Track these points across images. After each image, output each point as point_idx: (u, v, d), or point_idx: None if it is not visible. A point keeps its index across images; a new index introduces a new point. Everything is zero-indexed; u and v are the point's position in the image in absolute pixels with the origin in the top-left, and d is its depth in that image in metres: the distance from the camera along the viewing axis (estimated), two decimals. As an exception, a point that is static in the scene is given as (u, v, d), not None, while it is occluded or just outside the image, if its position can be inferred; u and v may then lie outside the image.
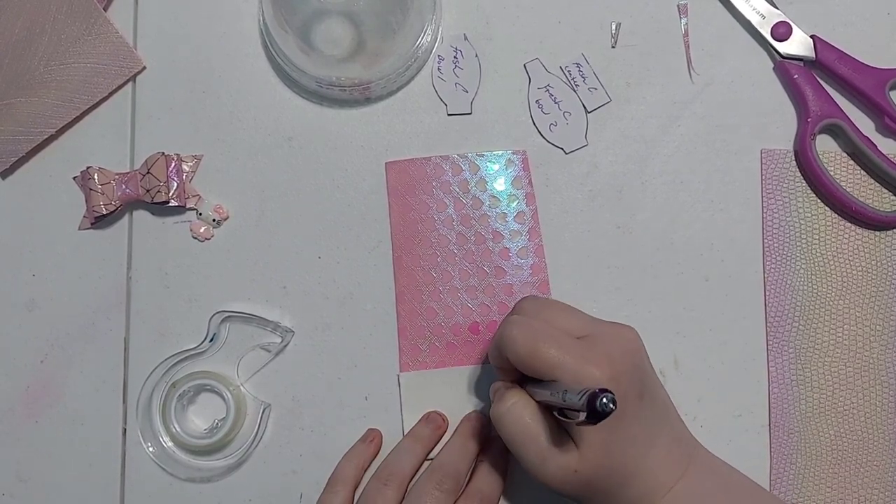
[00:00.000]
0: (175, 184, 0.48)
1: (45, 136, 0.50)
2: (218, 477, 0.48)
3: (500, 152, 0.49)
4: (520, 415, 0.38)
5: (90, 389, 0.49)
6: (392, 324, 0.48)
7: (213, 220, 0.49)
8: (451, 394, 0.47)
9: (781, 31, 0.48)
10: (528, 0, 0.50)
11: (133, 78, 0.50)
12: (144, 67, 0.50)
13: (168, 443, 0.47)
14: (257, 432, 0.47)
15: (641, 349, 0.40)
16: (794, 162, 0.48)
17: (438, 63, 0.50)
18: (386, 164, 0.49)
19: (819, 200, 0.48)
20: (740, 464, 0.46)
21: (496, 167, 0.49)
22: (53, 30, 0.49)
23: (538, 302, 0.41)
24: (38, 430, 0.49)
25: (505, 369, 0.41)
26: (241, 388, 0.48)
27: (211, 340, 0.48)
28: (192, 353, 0.48)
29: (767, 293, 0.48)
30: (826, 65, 0.48)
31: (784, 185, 0.48)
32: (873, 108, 0.48)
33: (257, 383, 0.48)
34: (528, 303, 0.41)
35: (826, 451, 0.46)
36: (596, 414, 0.31)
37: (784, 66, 0.48)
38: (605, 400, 0.31)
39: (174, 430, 0.47)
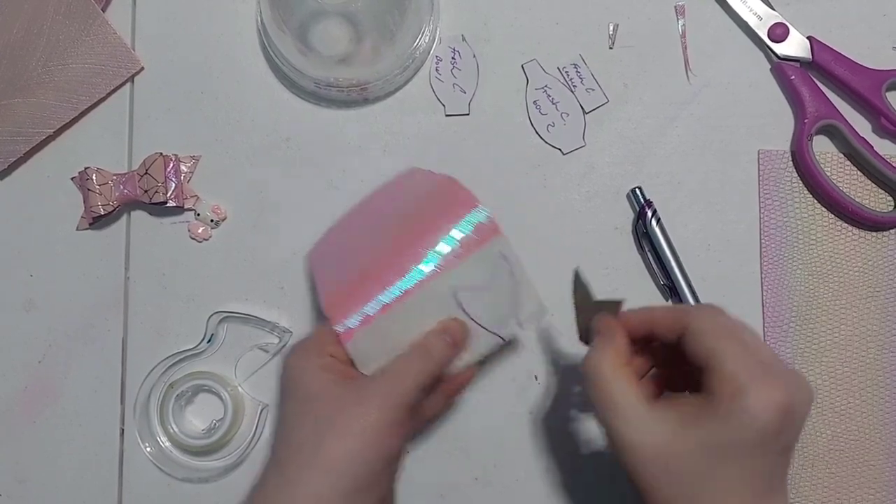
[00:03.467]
0: (173, 184, 0.48)
1: (44, 137, 0.50)
2: (215, 477, 0.48)
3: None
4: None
5: (88, 390, 0.49)
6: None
7: (211, 221, 0.49)
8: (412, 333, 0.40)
9: (778, 33, 0.49)
10: (525, 1, 0.50)
11: (131, 79, 0.50)
12: (142, 68, 0.50)
13: (166, 443, 0.47)
14: (255, 433, 0.47)
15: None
16: (791, 163, 0.48)
17: (436, 64, 0.50)
18: None
19: (816, 201, 0.48)
20: (737, 464, 0.46)
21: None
22: (51, 30, 0.49)
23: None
24: (35, 431, 0.49)
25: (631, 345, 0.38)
26: (239, 388, 0.48)
27: (209, 341, 0.48)
28: (190, 353, 0.48)
29: (765, 293, 0.48)
30: (823, 66, 0.48)
31: (781, 186, 0.48)
32: (870, 110, 0.48)
33: (255, 384, 0.48)
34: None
35: (823, 451, 0.46)
36: None
37: (781, 67, 0.48)
38: None
39: (172, 430, 0.47)
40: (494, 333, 0.41)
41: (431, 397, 0.41)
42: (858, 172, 0.48)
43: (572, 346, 0.47)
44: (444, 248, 0.40)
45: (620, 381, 0.35)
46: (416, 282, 0.40)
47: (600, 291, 0.48)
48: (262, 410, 0.47)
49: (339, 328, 0.39)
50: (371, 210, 0.47)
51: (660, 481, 0.34)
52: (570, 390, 0.47)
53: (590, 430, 0.47)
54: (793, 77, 0.48)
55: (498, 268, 0.41)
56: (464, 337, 0.40)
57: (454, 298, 0.40)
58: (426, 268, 0.40)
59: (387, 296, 0.40)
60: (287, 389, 0.39)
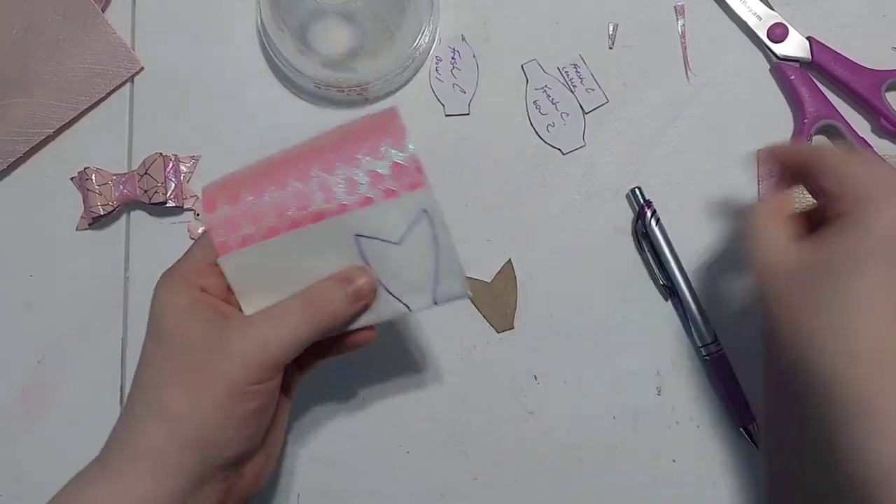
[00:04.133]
0: (173, 184, 0.48)
1: (43, 137, 0.50)
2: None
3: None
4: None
5: (87, 390, 0.49)
6: (386, 325, 0.48)
7: (211, 221, 0.49)
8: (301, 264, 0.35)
9: (778, 33, 0.49)
10: (525, 1, 0.50)
11: (131, 78, 0.50)
12: (142, 68, 0.50)
13: (165, 443, 0.47)
14: (255, 433, 0.47)
15: None
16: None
17: (436, 64, 0.50)
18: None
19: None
20: (738, 464, 0.46)
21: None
22: (51, 30, 0.49)
23: None
24: (34, 431, 0.49)
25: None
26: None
27: (208, 341, 0.48)
28: (190, 353, 0.48)
29: (764, 294, 0.48)
30: (822, 66, 0.48)
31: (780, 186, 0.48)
32: (869, 110, 0.48)
33: (255, 384, 0.48)
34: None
35: (823, 451, 0.46)
36: None
37: (780, 67, 0.48)
38: None
39: (171, 430, 0.47)
40: (398, 300, 0.36)
41: (331, 346, 0.38)
42: (858, 172, 0.48)
43: (572, 347, 0.47)
44: (354, 183, 0.35)
45: (768, 218, 0.37)
46: (311, 211, 0.34)
47: (601, 290, 0.48)
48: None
49: (214, 233, 0.34)
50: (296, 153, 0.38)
51: (790, 297, 0.34)
52: (570, 391, 0.47)
53: (590, 430, 0.47)
54: (792, 77, 0.48)
55: (418, 225, 0.35)
56: (370, 291, 0.35)
57: (355, 244, 0.35)
58: (328, 199, 0.34)
59: (276, 219, 0.34)
60: (148, 323, 0.35)
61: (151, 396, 0.34)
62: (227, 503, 0.36)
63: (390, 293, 0.36)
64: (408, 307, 0.36)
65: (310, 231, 0.35)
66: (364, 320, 0.36)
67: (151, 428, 0.33)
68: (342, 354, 0.39)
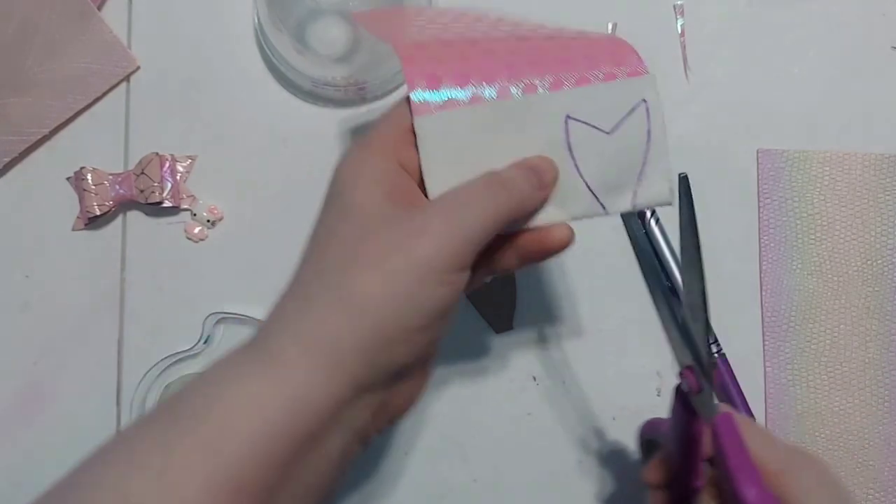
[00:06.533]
0: (169, 184, 0.48)
1: (39, 137, 0.49)
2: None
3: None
4: None
5: (84, 391, 0.49)
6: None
7: (208, 221, 0.49)
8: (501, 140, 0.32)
9: (777, 32, 0.49)
10: (524, 1, 0.50)
11: (127, 78, 0.50)
12: (139, 67, 0.50)
13: (162, 445, 0.47)
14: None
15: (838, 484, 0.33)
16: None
17: (434, 63, 0.49)
18: None
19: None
20: (737, 465, 0.46)
21: None
22: (47, 29, 0.49)
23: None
24: (30, 433, 0.49)
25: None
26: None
27: (205, 342, 0.47)
28: (187, 354, 0.47)
29: (764, 293, 0.47)
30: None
31: (780, 185, 0.48)
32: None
33: (252, 385, 0.48)
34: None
35: (822, 451, 0.46)
36: None
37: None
38: None
39: (168, 432, 0.47)
40: (595, 197, 0.32)
41: (504, 251, 0.32)
42: (857, 172, 0.48)
43: (571, 348, 0.47)
44: (574, 63, 0.31)
45: None
46: (523, 83, 0.31)
47: (600, 291, 0.48)
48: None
49: (414, 94, 0.30)
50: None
51: None
52: (569, 391, 0.47)
53: (588, 431, 0.47)
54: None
55: (633, 116, 0.32)
56: (551, 180, 0.32)
57: (563, 127, 0.31)
58: (543, 75, 0.31)
59: (481, 87, 0.30)
60: (326, 200, 0.31)
61: (335, 280, 0.28)
62: (376, 423, 0.31)
63: (588, 188, 0.32)
64: (604, 207, 0.33)
65: (518, 103, 0.31)
66: (554, 215, 0.32)
67: (335, 315, 0.28)
68: (532, 261, 0.33)
